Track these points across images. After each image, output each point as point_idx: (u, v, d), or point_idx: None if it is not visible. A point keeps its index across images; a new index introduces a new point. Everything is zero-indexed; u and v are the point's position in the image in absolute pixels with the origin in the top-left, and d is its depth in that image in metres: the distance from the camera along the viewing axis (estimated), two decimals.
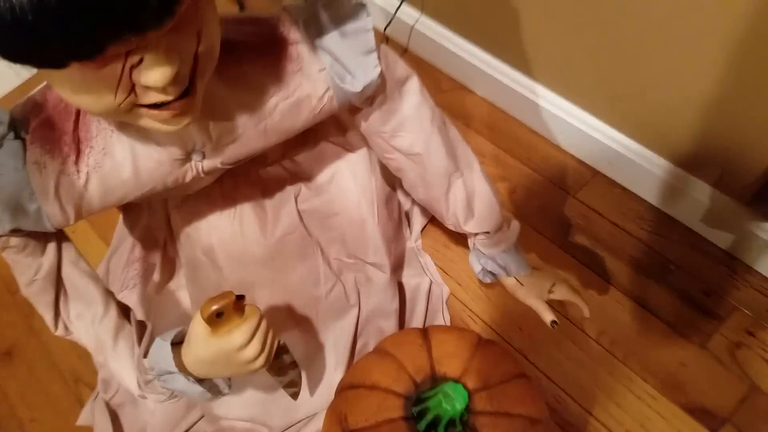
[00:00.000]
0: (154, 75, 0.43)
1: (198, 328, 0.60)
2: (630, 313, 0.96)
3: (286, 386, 0.76)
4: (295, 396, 0.78)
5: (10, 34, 0.36)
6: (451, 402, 0.61)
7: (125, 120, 0.49)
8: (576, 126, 1.08)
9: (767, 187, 0.90)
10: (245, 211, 0.79)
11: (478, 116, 1.23)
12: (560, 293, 0.85)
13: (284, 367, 0.74)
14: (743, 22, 0.74)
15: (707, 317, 0.95)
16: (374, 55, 0.63)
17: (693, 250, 1.01)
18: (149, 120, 0.49)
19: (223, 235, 0.79)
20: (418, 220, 1.06)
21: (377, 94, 0.69)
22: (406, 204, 1.05)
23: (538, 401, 0.71)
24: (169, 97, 0.46)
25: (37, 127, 0.56)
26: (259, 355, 0.63)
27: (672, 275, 0.99)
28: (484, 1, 1.09)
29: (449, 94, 1.27)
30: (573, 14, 0.94)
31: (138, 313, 0.82)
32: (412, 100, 0.73)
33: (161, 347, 0.64)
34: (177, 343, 0.65)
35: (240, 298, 0.61)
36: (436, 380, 0.68)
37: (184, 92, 0.48)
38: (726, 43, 0.78)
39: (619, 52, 0.92)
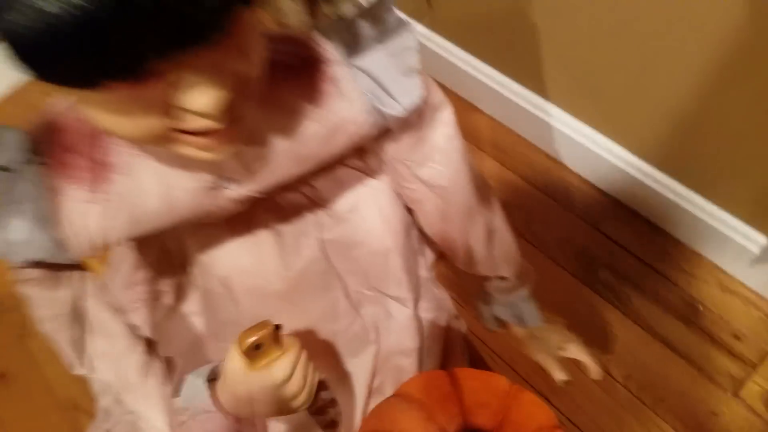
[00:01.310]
0: (202, 99, 0.38)
1: (234, 362, 0.56)
2: (658, 355, 0.92)
3: (326, 427, 0.71)
4: None
5: (40, 47, 0.31)
6: None
7: (158, 146, 0.44)
8: (598, 153, 1.04)
9: None
10: (264, 240, 0.74)
11: (487, 137, 1.19)
12: (572, 351, 0.81)
13: (324, 405, 0.70)
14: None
15: (739, 362, 0.91)
16: (417, 75, 0.58)
17: (725, 291, 0.97)
18: (186, 147, 0.44)
19: (242, 265, 0.74)
20: (432, 248, 1.01)
21: (412, 119, 0.64)
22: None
23: None
24: (215, 125, 0.41)
25: (56, 151, 0.51)
26: (302, 390, 0.58)
27: (701, 316, 0.95)
28: (495, 19, 1.05)
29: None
30: (593, 30, 0.90)
31: None
32: (445, 131, 0.67)
33: (195, 385, 0.59)
34: (211, 380, 0.60)
35: (277, 327, 0.56)
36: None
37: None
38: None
39: (639, 72, 0.89)
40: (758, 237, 0.91)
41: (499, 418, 0.65)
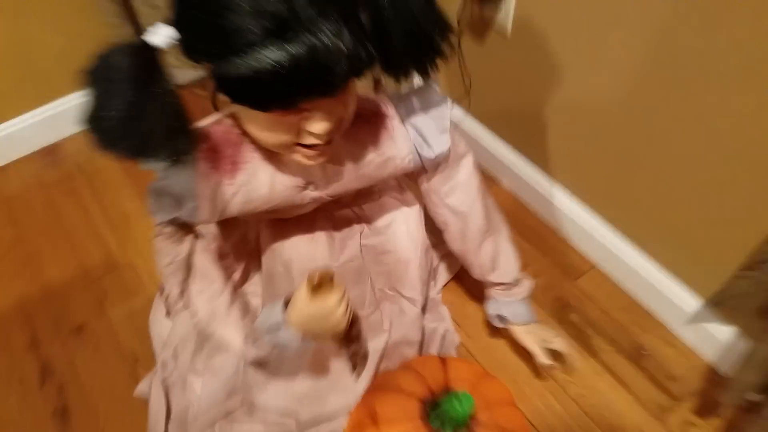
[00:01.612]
0: (320, 126, 0.66)
1: (302, 292, 0.79)
2: (606, 383, 1.15)
3: (351, 356, 0.94)
4: (354, 368, 0.95)
5: (250, 87, 0.58)
6: (461, 404, 0.79)
7: (282, 152, 0.72)
8: (582, 226, 1.30)
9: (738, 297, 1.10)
10: (320, 238, 1.01)
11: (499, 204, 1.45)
12: (558, 344, 1.04)
13: (353, 337, 0.92)
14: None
15: (668, 397, 1.14)
16: (448, 134, 0.86)
17: (665, 343, 1.21)
18: (297, 155, 0.71)
19: (301, 253, 1.00)
20: (442, 277, 1.26)
21: (442, 162, 0.92)
22: (434, 260, 1.26)
23: (526, 426, 0.89)
24: (321, 142, 0.68)
25: (207, 149, 0.78)
26: (343, 319, 0.80)
27: (644, 359, 1.19)
28: (523, 111, 1.31)
29: None
30: (596, 129, 1.15)
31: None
32: (466, 171, 0.95)
33: (274, 306, 0.82)
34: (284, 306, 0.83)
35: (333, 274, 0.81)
36: (449, 393, 0.87)
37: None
38: (720, 171, 1.00)
39: (638, 168, 1.12)
40: (692, 300, 1.15)
41: (472, 387, 0.88)
